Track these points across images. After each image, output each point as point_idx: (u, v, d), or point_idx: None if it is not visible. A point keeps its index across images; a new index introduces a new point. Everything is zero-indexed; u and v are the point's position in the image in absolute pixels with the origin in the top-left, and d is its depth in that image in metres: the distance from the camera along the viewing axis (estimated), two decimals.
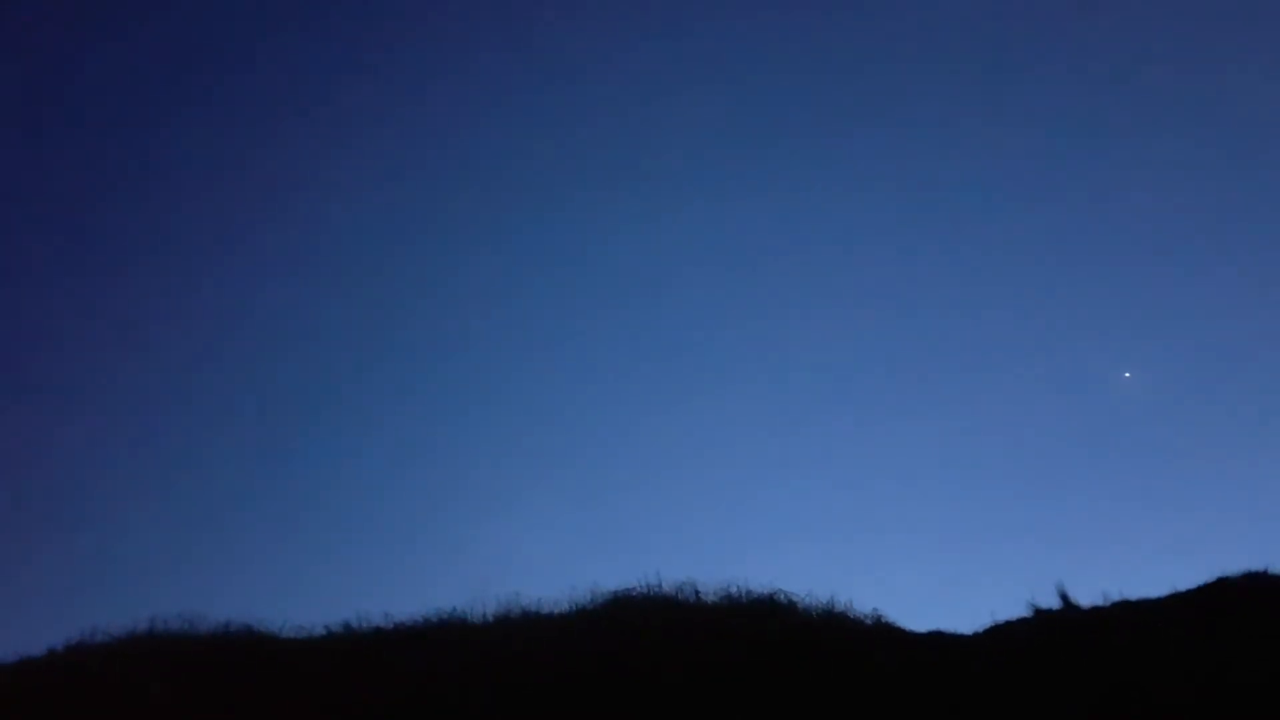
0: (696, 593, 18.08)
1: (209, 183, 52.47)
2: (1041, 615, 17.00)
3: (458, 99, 53.03)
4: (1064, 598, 17.18)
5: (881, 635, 17.10)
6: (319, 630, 18.39)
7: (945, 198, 48.09)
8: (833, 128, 49.96)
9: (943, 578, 36.22)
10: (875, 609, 17.78)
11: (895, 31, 48.88)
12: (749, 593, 17.94)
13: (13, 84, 49.90)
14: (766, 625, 16.73)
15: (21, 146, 50.48)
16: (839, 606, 17.72)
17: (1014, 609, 17.34)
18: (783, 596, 17.83)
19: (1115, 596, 16.98)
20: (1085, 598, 17.11)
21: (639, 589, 18.21)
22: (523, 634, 17.24)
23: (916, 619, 17.75)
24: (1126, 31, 46.62)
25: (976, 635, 17.09)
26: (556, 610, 18.08)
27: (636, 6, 51.44)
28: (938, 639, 17.10)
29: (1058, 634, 16.19)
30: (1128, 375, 40.61)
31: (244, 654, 17.34)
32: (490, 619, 18.10)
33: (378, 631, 18.02)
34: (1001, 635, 16.80)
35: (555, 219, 50.18)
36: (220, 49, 52.12)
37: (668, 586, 18.24)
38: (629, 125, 51.77)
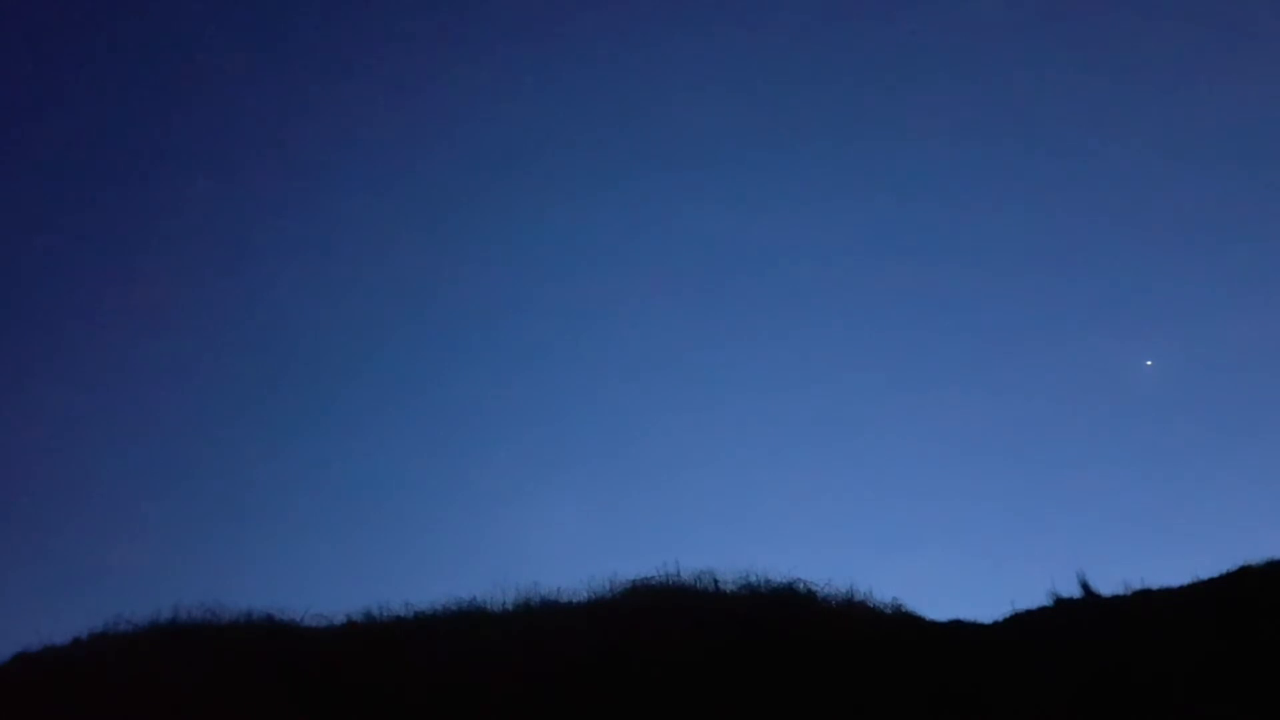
0: (715, 582, 18.09)
1: (218, 177, 52.66)
2: (1062, 604, 16.96)
3: (471, 95, 53.04)
4: (1085, 586, 17.13)
5: (901, 624, 17.09)
6: (340, 619, 18.47)
7: (966, 192, 47.84)
8: (851, 128, 49.73)
9: (963, 567, 36.14)
10: (895, 598, 17.79)
11: (912, 32, 48.59)
12: (768, 582, 17.93)
13: (15, 78, 50.19)
14: (786, 614, 16.74)
15: (22, 141, 50.78)
16: (859, 595, 17.72)
17: (1034, 598, 17.33)
18: (802, 585, 17.81)
19: (1136, 585, 16.93)
20: (1106, 586, 17.08)
21: (658, 578, 18.22)
22: (542, 622, 17.29)
23: (937, 608, 17.76)
24: (1140, 24, 46.24)
25: (997, 624, 17.06)
26: (576, 599, 18.12)
27: (651, 4, 51.27)
28: (958, 628, 17.08)
29: (1078, 623, 16.14)
30: (1149, 363, 40.33)
31: (266, 642, 17.45)
32: (510, 608, 18.15)
33: (399, 620, 18.10)
34: (1022, 624, 16.77)
35: (580, 215, 50.16)
36: (227, 42, 52.21)
37: (686, 575, 18.25)
38: (648, 125, 51.66)
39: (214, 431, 45.03)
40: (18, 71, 49.86)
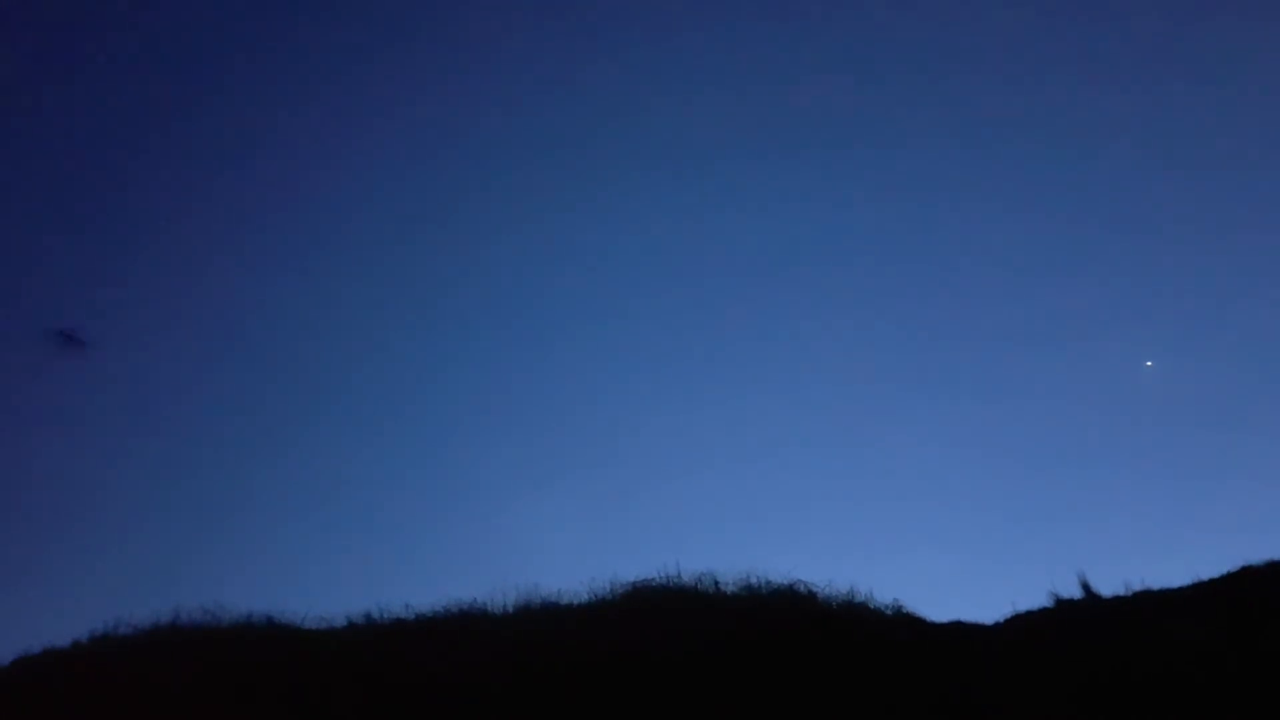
0: (716, 583, 18.09)
1: (220, 178, 52.69)
2: (1063, 604, 16.96)
3: (474, 91, 53.05)
4: (1085, 587, 17.13)
5: (902, 625, 17.08)
6: (340, 621, 18.50)
7: (965, 193, 47.87)
8: (849, 129, 49.78)
9: (963, 568, 36.17)
10: (896, 599, 17.78)
11: (917, 35, 48.65)
12: (769, 583, 17.93)
13: (14, 76, 50.21)
14: (787, 615, 16.73)
15: (22, 140, 50.80)
16: (859, 596, 17.71)
17: (1035, 599, 17.33)
18: (803, 586, 17.81)
19: (1137, 585, 16.93)
20: (1107, 587, 17.07)
21: (658, 579, 18.23)
22: (543, 624, 17.30)
23: (937, 609, 17.76)
24: (1140, 24, 46.27)
25: (997, 625, 17.06)
26: (576, 601, 18.13)
27: (650, 5, 51.32)
28: (958, 628, 17.07)
29: (1079, 623, 16.13)
30: (1149, 364, 40.35)
31: (266, 644, 17.46)
32: (510, 609, 18.17)
33: (399, 622, 18.10)
34: (1022, 624, 16.76)
35: (580, 215, 50.20)
36: (227, 40, 52.24)
37: (687, 577, 18.26)
38: (645, 125, 51.67)
39: (214, 434, 45.08)
40: (19, 71, 49.91)
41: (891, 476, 42.13)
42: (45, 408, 45.56)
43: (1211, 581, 16.42)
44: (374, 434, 46.61)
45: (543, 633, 16.88)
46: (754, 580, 18.03)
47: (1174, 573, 17.07)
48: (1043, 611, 17.00)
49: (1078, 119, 47.26)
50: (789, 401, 45.78)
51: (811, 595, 17.65)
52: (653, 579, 18.25)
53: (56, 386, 45.93)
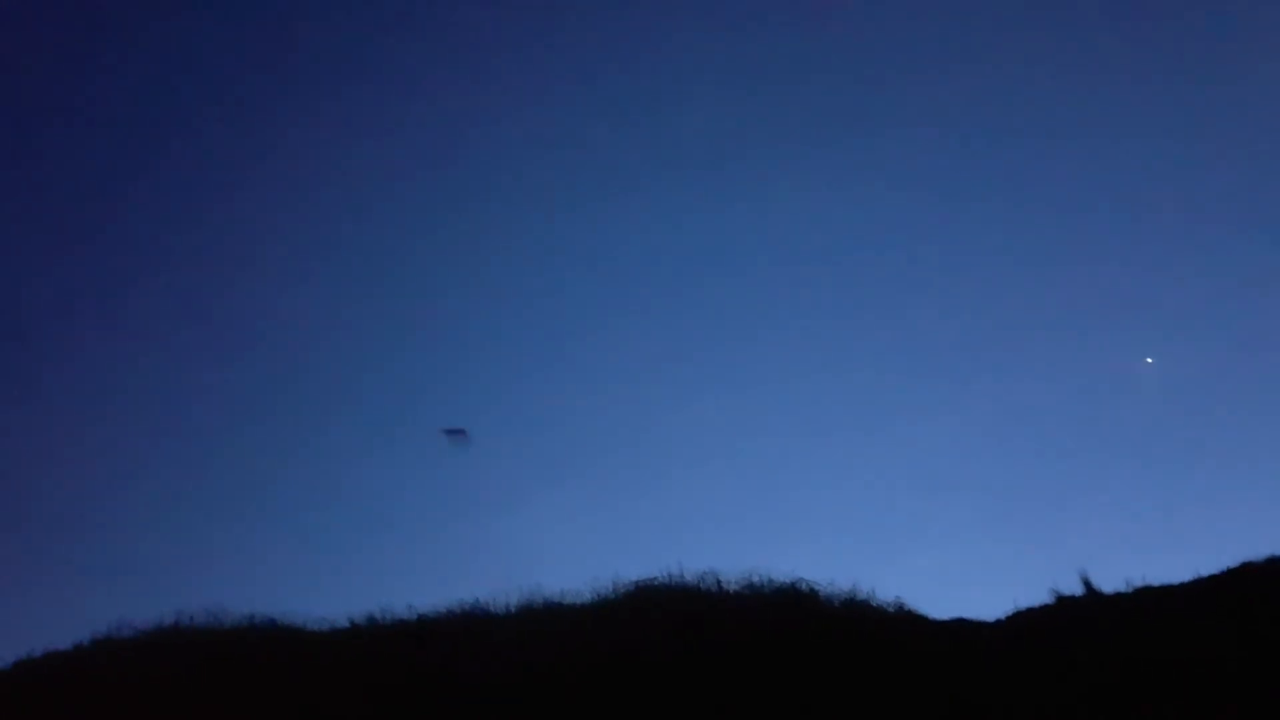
0: (718, 582, 18.12)
1: (228, 184, 52.71)
2: (1064, 601, 16.98)
3: (471, 97, 53.05)
4: (1087, 584, 17.15)
5: (904, 622, 17.10)
6: (343, 622, 18.53)
7: (967, 190, 47.85)
8: (851, 126, 49.73)
9: (965, 565, 36.16)
10: (897, 597, 17.83)
11: (913, 31, 48.64)
12: (771, 582, 17.96)
13: (20, 84, 50.26)
14: (789, 614, 16.75)
15: (29, 147, 50.84)
16: (861, 595, 17.75)
17: (1037, 595, 17.35)
18: (805, 585, 17.84)
19: (1138, 582, 16.96)
20: (1108, 584, 17.10)
21: (661, 579, 18.27)
22: (546, 624, 17.31)
23: (939, 607, 17.79)
24: (1141, 23, 46.28)
25: (999, 622, 17.08)
26: (579, 600, 18.17)
27: (649, 5, 51.26)
28: (960, 626, 17.09)
29: (1081, 620, 16.15)
30: (1150, 361, 40.34)
31: (269, 646, 17.47)
32: (513, 610, 18.20)
33: (401, 623, 18.13)
34: (1024, 621, 16.79)
35: (581, 216, 50.20)
36: (230, 49, 52.27)
37: (690, 576, 18.31)
38: (642, 127, 51.65)
39: (217, 436, 45.08)
40: (25, 75, 49.97)
41: (892, 475, 42.11)
42: (47, 410, 45.60)
43: (1212, 578, 16.44)
44: (376, 435, 46.61)
45: (545, 633, 16.90)
46: (756, 579, 18.08)
47: (1175, 569, 17.09)
48: (1045, 608, 17.02)
49: (1078, 114, 47.26)
50: (790, 400, 45.77)
51: (813, 594, 17.67)
52: (655, 578, 18.30)
53: (59, 389, 46.00)
